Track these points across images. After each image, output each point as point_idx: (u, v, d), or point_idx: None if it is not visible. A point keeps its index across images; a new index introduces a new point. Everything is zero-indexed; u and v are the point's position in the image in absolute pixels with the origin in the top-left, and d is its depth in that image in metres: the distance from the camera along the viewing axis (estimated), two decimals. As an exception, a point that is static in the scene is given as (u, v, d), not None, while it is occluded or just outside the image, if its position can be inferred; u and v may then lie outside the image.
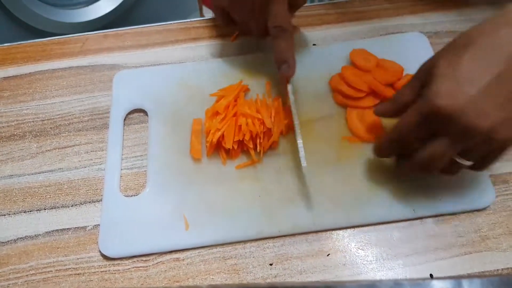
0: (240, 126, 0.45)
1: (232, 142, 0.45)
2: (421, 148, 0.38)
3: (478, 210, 0.43)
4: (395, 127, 0.39)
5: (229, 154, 0.46)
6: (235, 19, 0.50)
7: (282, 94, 0.49)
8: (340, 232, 0.42)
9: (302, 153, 0.43)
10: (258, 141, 0.45)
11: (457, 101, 0.34)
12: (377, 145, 0.43)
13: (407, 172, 0.42)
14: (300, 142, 0.44)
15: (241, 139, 0.45)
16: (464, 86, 0.34)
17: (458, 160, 0.37)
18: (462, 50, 0.35)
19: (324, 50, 0.54)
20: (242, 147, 0.46)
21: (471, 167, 0.39)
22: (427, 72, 0.38)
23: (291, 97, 0.46)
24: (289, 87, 0.46)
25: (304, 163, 0.43)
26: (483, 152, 0.37)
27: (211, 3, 0.59)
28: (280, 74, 0.47)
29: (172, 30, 0.59)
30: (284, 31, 0.46)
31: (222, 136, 0.45)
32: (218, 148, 0.47)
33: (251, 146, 0.45)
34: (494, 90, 0.34)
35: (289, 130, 0.48)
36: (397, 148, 0.41)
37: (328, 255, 0.41)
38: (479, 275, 0.40)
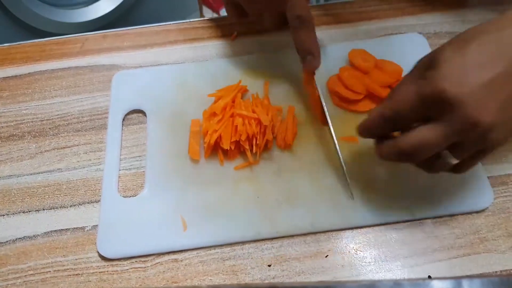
0: (236, 127, 0.45)
1: (229, 143, 0.45)
2: (411, 131, 0.35)
3: (476, 212, 0.43)
4: (390, 105, 0.37)
5: (227, 155, 0.46)
6: (248, 12, 0.48)
7: (307, 87, 0.49)
8: (339, 233, 0.42)
9: (336, 144, 0.44)
10: (254, 141, 0.45)
11: (463, 88, 0.32)
12: (366, 122, 0.39)
13: (387, 155, 0.38)
14: (333, 132, 0.44)
15: (237, 140, 0.45)
16: (472, 74, 0.33)
17: (445, 156, 0.36)
18: (469, 41, 0.34)
19: (323, 50, 0.54)
20: (239, 148, 0.46)
21: (451, 169, 0.37)
22: (428, 62, 0.36)
23: (318, 87, 0.45)
24: (315, 79, 0.46)
25: (339, 152, 0.43)
26: (471, 152, 0.35)
27: (211, 3, 0.59)
28: (304, 66, 0.46)
29: (172, 31, 0.59)
30: (306, 21, 0.45)
31: (220, 137, 0.45)
32: (215, 149, 0.46)
33: (247, 147, 0.45)
34: (499, 88, 0.33)
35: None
36: (386, 128, 0.38)
37: (326, 257, 0.41)
38: (479, 275, 0.40)
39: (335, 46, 0.55)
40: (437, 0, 0.59)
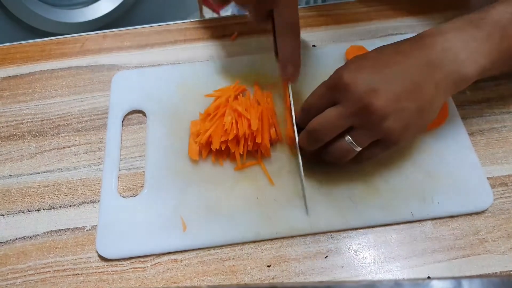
0: (224, 126, 0.45)
1: (219, 142, 0.45)
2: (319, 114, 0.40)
3: (476, 213, 0.43)
4: (307, 99, 0.43)
5: (228, 155, 0.46)
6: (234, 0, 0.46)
7: (282, 95, 0.49)
8: (338, 234, 0.42)
9: (300, 161, 0.43)
10: (242, 142, 0.45)
11: (357, 75, 0.38)
12: (296, 117, 0.44)
13: (303, 139, 0.42)
14: (298, 148, 0.43)
15: (226, 140, 0.45)
16: (367, 67, 0.39)
17: (347, 140, 0.39)
18: (371, 51, 0.41)
19: (324, 51, 0.54)
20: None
21: (355, 158, 0.41)
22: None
23: (291, 98, 0.44)
24: (290, 88, 0.45)
25: (302, 171, 0.43)
26: (369, 138, 0.39)
27: (211, 3, 0.58)
28: (282, 75, 0.45)
29: (172, 31, 0.59)
30: (293, 29, 0.44)
31: (211, 136, 0.45)
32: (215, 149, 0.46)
33: (233, 149, 0.45)
34: (391, 82, 0.38)
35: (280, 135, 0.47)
36: (307, 119, 0.42)
37: (326, 257, 0.41)
38: (479, 276, 0.40)
39: (336, 46, 0.55)
40: (437, 2, 0.59)
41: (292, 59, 0.44)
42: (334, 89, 0.39)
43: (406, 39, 0.41)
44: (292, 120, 0.43)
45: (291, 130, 0.44)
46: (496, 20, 0.39)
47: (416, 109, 0.38)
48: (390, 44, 0.42)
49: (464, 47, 0.38)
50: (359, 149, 0.40)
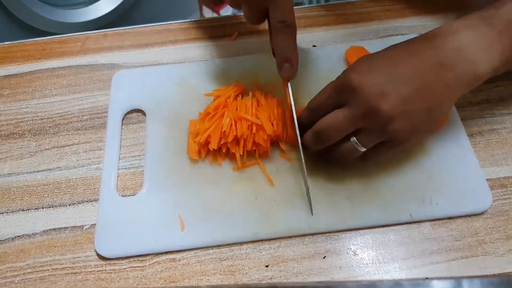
0: (222, 128, 0.45)
1: (217, 143, 0.45)
2: (325, 116, 0.40)
3: (475, 215, 0.43)
4: (314, 98, 0.43)
5: (228, 155, 0.46)
6: (226, 1, 0.45)
7: (282, 95, 0.49)
8: (337, 234, 0.42)
9: (303, 160, 0.43)
10: (242, 143, 0.45)
11: (366, 77, 0.38)
12: (299, 116, 0.44)
13: (308, 139, 0.42)
14: (300, 146, 0.43)
15: (225, 142, 0.45)
16: (375, 69, 0.39)
17: (352, 142, 0.40)
18: (380, 51, 0.41)
19: (324, 51, 0.54)
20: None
21: (360, 157, 0.41)
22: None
23: (291, 97, 0.44)
24: (289, 87, 0.44)
25: (305, 170, 0.43)
26: (375, 140, 0.39)
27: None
28: (281, 74, 0.44)
29: (172, 30, 0.59)
30: (289, 26, 0.42)
31: (210, 136, 0.45)
32: (215, 150, 0.46)
33: (233, 150, 0.45)
34: (400, 84, 0.38)
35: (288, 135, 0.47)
36: (313, 118, 0.42)
37: (324, 258, 0.41)
38: (479, 276, 0.40)
39: (336, 47, 0.55)
40: (438, 2, 0.59)
41: (288, 57, 0.43)
42: (342, 91, 0.39)
43: (417, 37, 0.41)
44: (294, 118, 0.43)
45: (293, 128, 0.44)
46: (507, 18, 0.39)
47: (425, 110, 0.38)
48: (400, 43, 0.41)
49: (476, 47, 0.38)
50: (363, 149, 0.40)
